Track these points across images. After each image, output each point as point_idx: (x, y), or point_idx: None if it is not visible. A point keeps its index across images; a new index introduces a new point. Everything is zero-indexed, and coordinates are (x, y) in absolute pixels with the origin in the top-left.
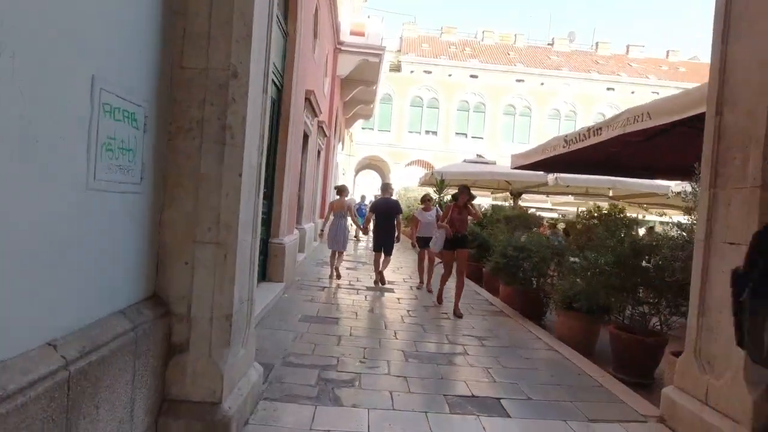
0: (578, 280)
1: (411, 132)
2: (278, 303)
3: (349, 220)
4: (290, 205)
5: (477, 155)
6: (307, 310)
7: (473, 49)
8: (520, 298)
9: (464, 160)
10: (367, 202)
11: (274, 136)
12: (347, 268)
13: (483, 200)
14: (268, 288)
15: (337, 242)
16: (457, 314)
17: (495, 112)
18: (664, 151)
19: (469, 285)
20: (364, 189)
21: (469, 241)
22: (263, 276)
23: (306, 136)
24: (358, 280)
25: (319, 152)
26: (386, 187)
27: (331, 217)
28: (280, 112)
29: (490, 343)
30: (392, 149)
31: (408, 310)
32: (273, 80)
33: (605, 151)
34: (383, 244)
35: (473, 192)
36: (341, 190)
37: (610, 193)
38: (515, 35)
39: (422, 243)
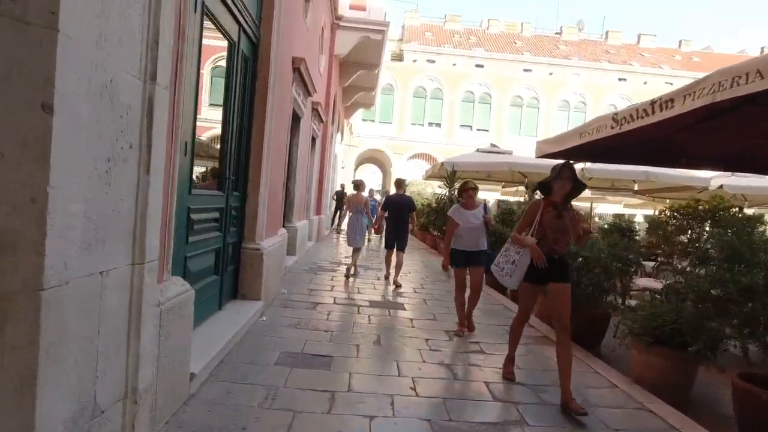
0: (660, 301)
1: (414, 124)
2: (251, 332)
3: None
4: (272, 199)
5: (491, 144)
6: (290, 344)
7: (478, 38)
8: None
9: (477, 150)
10: (377, 197)
11: (247, 106)
12: (347, 276)
13: (489, 195)
14: (238, 309)
15: (355, 238)
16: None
17: (501, 104)
18: (715, 136)
19: (492, 295)
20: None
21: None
22: (234, 293)
23: (297, 117)
24: (359, 292)
25: (314, 139)
26: (400, 183)
27: (349, 214)
28: (256, 75)
29: (550, 396)
30: (394, 142)
31: (427, 340)
32: (242, 26)
33: (664, 132)
34: (396, 240)
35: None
36: (359, 185)
37: (636, 187)
38: (521, 24)
39: (461, 261)
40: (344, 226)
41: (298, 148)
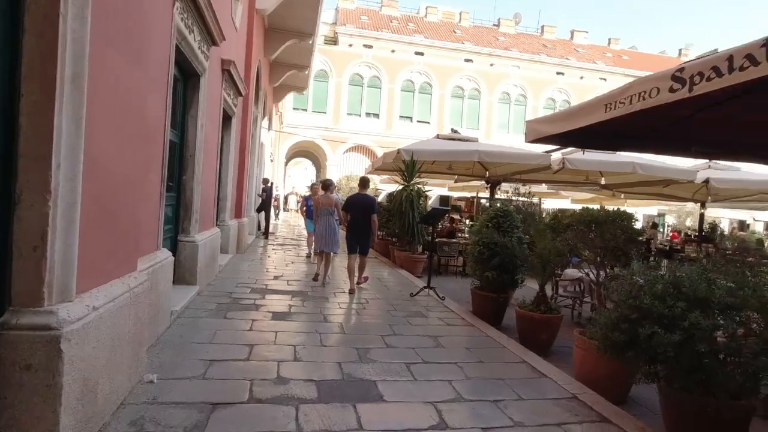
0: None
1: (350, 114)
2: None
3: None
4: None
5: (453, 130)
6: None
7: (417, 25)
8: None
9: (438, 136)
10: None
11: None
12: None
13: (438, 191)
14: None
15: (327, 243)
16: None
17: (442, 94)
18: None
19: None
20: (296, 182)
21: None
22: None
23: (191, 73)
24: (302, 360)
25: (226, 115)
26: (364, 182)
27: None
28: None
29: None
30: (329, 133)
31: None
32: None
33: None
34: (359, 244)
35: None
36: (328, 185)
37: (602, 181)
38: (460, 13)
39: None
40: (277, 229)
41: (197, 124)
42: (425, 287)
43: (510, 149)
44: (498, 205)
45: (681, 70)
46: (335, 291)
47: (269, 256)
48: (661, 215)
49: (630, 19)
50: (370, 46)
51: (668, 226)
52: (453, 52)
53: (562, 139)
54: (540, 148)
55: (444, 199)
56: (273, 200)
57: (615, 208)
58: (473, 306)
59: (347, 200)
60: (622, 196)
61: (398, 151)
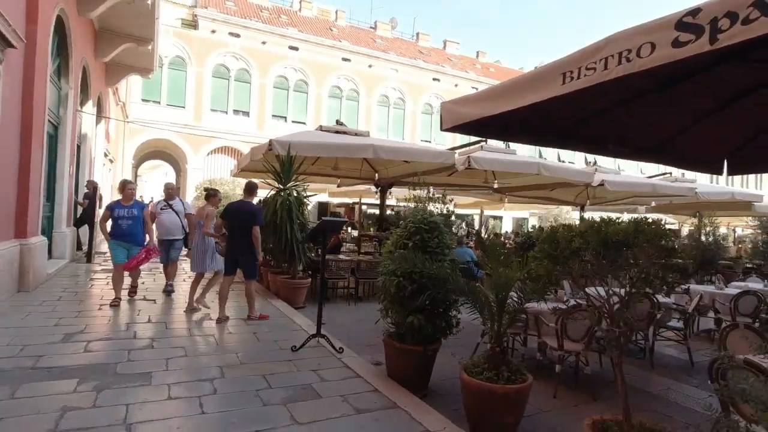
0: None
1: (214, 110)
2: None
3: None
4: None
5: (337, 122)
6: None
7: (290, 18)
8: None
9: (320, 127)
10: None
11: None
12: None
13: (316, 197)
14: None
15: (202, 263)
16: None
17: (319, 94)
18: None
19: None
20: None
21: None
22: None
23: None
24: None
25: None
26: (251, 188)
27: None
28: None
29: None
30: (189, 131)
31: None
32: None
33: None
34: (239, 264)
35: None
36: (211, 195)
37: (495, 185)
38: (336, 11)
39: None
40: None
41: None
42: (314, 335)
43: (410, 145)
44: (418, 213)
45: (695, 12)
46: (168, 355)
47: (77, 294)
48: (523, 220)
49: (495, 33)
50: (238, 35)
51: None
52: (330, 50)
53: (485, 127)
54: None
55: (323, 206)
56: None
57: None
58: (388, 365)
59: (226, 207)
60: (506, 200)
61: (270, 144)
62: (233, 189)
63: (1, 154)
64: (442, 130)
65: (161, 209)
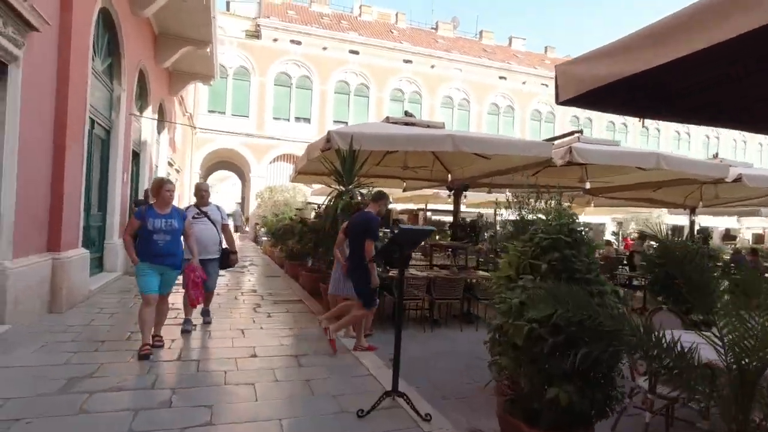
0: None
1: (276, 118)
2: None
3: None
4: None
5: (406, 113)
6: None
7: (351, 23)
8: None
9: (387, 119)
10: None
11: None
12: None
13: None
14: None
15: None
16: None
17: (380, 97)
18: None
19: None
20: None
21: None
22: None
23: None
24: None
25: None
26: (377, 197)
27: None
28: None
29: None
30: (252, 140)
31: None
32: None
33: None
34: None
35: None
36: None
37: (587, 185)
38: (396, 14)
39: None
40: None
41: None
42: (388, 393)
43: (497, 136)
44: (549, 221)
45: None
46: (187, 422)
47: (111, 317)
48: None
49: (561, 28)
50: (299, 42)
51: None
52: (391, 52)
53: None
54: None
55: (385, 215)
56: None
57: None
58: None
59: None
60: (593, 203)
61: (328, 137)
62: (293, 196)
63: (26, 155)
64: (558, 103)
65: (194, 218)
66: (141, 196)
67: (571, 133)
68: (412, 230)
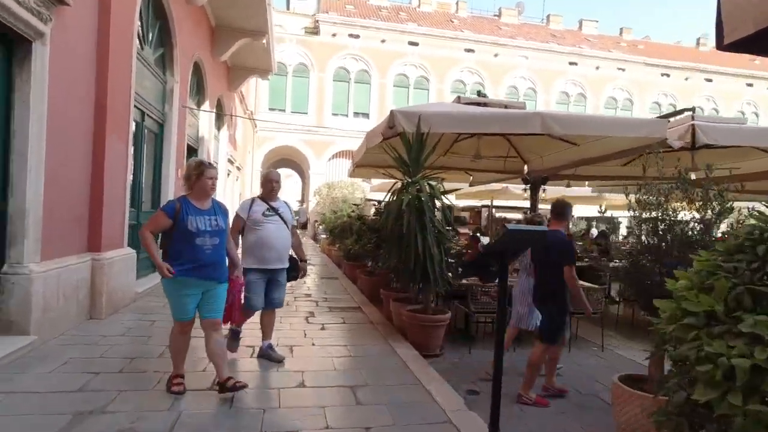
0: None
1: (335, 114)
2: None
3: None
4: None
5: (479, 93)
6: None
7: (409, 14)
8: None
9: (458, 99)
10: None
11: None
12: None
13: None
14: None
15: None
16: None
17: (440, 89)
18: None
19: None
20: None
21: None
22: None
23: None
24: None
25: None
26: (561, 210)
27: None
28: None
29: None
30: (311, 136)
31: None
32: None
33: None
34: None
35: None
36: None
37: (693, 176)
38: (457, 3)
39: None
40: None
41: None
42: None
43: (595, 116)
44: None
45: None
46: None
47: (152, 324)
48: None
49: (636, 10)
50: (357, 36)
51: None
52: (451, 41)
53: None
54: None
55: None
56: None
57: None
58: None
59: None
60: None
61: (391, 117)
62: (352, 192)
63: (56, 143)
64: (723, 46)
65: (265, 215)
66: None
67: (680, 112)
68: (525, 231)
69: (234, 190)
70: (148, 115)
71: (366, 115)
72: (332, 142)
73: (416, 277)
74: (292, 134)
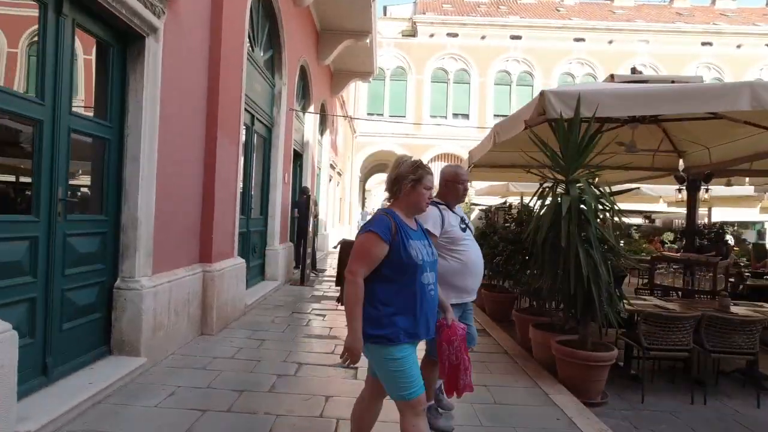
0: None
1: (434, 116)
2: None
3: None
4: None
5: (633, 69)
6: None
7: (510, 7)
8: None
9: (611, 77)
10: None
11: None
12: None
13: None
14: None
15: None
16: None
17: (547, 84)
18: None
19: None
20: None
21: None
22: None
23: None
24: None
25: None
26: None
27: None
28: None
29: None
30: (409, 140)
31: None
32: None
33: None
34: None
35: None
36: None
37: None
38: None
39: None
40: None
41: None
42: None
43: None
44: None
45: None
46: None
47: (261, 344)
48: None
49: None
50: (455, 35)
51: None
52: (558, 32)
53: None
54: None
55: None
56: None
57: None
58: None
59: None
60: None
61: (542, 99)
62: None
63: (168, 147)
64: None
65: (462, 230)
66: (297, 197)
67: None
68: None
69: (335, 196)
70: (257, 118)
71: (466, 116)
72: (431, 146)
73: (576, 303)
74: (390, 138)
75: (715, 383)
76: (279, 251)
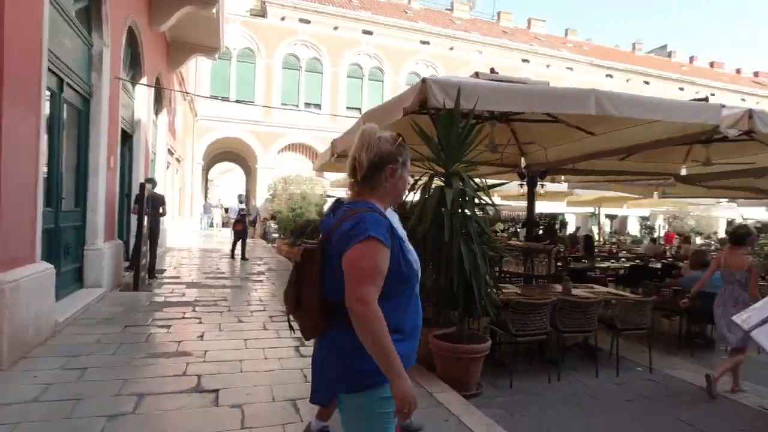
0: None
1: (285, 105)
2: None
3: None
4: None
5: (492, 70)
6: None
7: (362, 2)
8: None
9: (476, 74)
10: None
11: None
12: None
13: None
14: None
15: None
16: None
17: (396, 82)
18: None
19: None
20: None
21: None
22: None
23: None
24: None
25: None
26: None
27: None
28: None
29: None
30: (258, 127)
31: None
32: None
33: None
34: None
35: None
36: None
37: (683, 171)
38: None
39: None
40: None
41: None
42: None
43: (654, 97)
44: None
45: None
46: None
47: (67, 400)
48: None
49: (578, 11)
50: (308, 21)
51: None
52: (407, 32)
53: None
54: None
55: None
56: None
57: None
58: None
59: None
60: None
61: (424, 86)
62: (311, 188)
63: None
64: None
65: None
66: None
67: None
68: None
69: (174, 186)
70: (67, 83)
71: (318, 106)
72: (282, 134)
73: (457, 299)
74: (237, 124)
75: (562, 360)
76: (104, 251)
